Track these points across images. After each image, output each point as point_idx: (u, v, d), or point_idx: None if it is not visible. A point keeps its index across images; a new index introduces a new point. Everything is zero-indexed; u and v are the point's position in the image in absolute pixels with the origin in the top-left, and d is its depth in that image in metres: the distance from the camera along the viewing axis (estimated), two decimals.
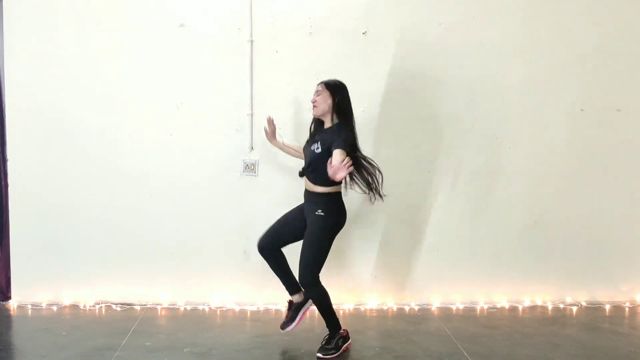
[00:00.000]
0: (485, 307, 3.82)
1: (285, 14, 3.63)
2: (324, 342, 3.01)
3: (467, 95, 3.74)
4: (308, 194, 3.06)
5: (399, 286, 3.82)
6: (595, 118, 3.82)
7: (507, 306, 3.83)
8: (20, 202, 3.65)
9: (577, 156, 3.84)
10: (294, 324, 3.10)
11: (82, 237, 3.67)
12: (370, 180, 2.99)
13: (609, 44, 3.79)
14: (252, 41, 3.63)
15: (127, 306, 3.68)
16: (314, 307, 3.12)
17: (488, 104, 3.76)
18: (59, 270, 3.69)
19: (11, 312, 3.59)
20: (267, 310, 3.68)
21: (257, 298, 3.74)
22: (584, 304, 3.88)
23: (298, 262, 2.96)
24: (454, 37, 3.69)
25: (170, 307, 3.70)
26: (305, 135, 3.17)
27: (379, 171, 3.02)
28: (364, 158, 2.99)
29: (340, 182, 2.96)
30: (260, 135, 3.65)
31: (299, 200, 3.15)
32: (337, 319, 3.06)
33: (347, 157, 2.74)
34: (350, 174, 2.94)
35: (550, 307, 3.83)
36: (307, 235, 2.98)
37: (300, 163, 3.19)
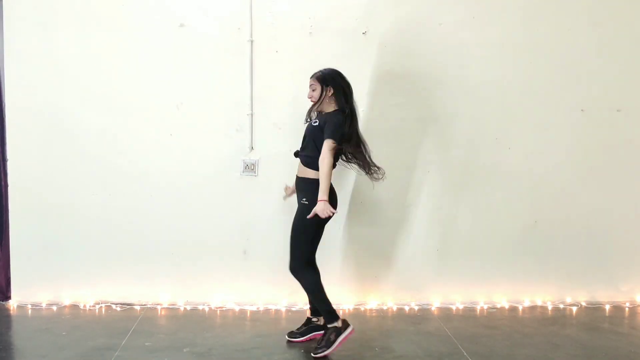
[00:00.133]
0: (485, 307, 3.82)
1: (285, 14, 3.63)
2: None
3: (467, 95, 3.74)
4: (297, 180, 3.09)
5: (399, 286, 3.81)
6: (595, 118, 3.82)
7: (507, 306, 3.83)
8: (20, 202, 3.65)
9: (577, 156, 3.84)
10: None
11: (82, 237, 3.67)
12: (365, 162, 3.05)
13: (609, 44, 3.79)
14: (252, 41, 3.63)
15: (127, 306, 3.68)
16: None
17: (488, 104, 3.76)
18: (59, 270, 3.69)
19: (11, 312, 3.58)
20: (267, 310, 3.68)
21: (257, 298, 3.74)
22: (583, 304, 3.88)
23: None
24: (454, 37, 3.69)
25: (170, 307, 3.70)
26: None
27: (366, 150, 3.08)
28: (357, 142, 3.02)
29: (333, 167, 2.99)
30: (260, 135, 3.66)
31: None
32: (332, 309, 3.00)
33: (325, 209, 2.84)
34: (347, 158, 3.07)
35: (550, 307, 3.83)
36: (292, 223, 3.03)
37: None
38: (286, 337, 3.14)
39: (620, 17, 3.78)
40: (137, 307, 3.67)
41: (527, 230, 3.85)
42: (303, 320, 3.23)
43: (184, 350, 2.98)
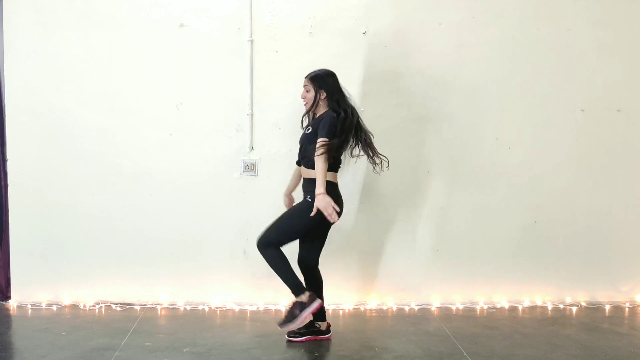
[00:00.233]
0: (485, 307, 3.82)
1: (285, 14, 3.63)
2: None
3: (467, 95, 3.74)
4: (303, 182, 3.10)
5: (399, 286, 3.81)
6: (595, 118, 3.82)
7: (506, 306, 3.83)
8: (20, 202, 3.65)
9: (577, 156, 3.84)
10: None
11: (82, 237, 3.67)
12: (369, 151, 3.09)
13: (609, 44, 3.79)
14: (252, 41, 3.63)
15: (127, 306, 3.68)
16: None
17: (488, 104, 3.76)
18: (58, 270, 3.69)
19: (11, 312, 3.58)
20: (267, 310, 3.68)
21: (257, 298, 3.74)
22: (583, 304, 3.88)
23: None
24: (454, 37, 3.70)
25: (170, 307, 3.70)
26: None
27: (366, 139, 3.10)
28: (358, 132, 3.06)
29: (335, 170, 3.02)
30: (260, 135, 3.66)
31: (298, 199, 3.15)
32: (298, 282, 2.95)
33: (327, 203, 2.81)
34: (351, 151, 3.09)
35: (550, 307, 3.84)
36: (289, 210, 3.05)
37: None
38: (286, 336, 3.14)
39: (620, 17, 3.78)
40: (137, 307, 3.67)
41: (527, 230, 3.85)
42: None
43: (184, 350, 2.98)
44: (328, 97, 3.04)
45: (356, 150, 3.14)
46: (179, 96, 3.64)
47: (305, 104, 3.12)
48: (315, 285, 3.12)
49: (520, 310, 3.79)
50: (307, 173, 3.04)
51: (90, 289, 3.71)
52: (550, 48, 3.75)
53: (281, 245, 2.99)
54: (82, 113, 3.62)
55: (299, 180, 3.26)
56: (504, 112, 3.78)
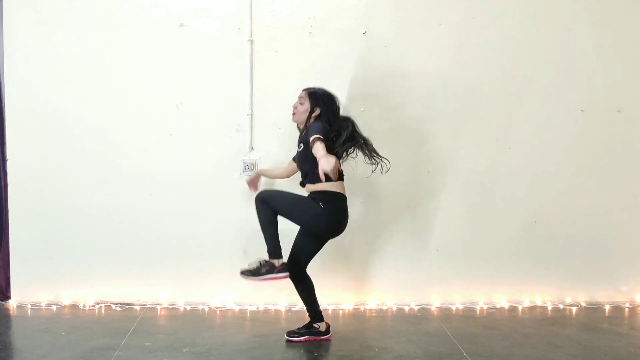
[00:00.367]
0: (485, 307, 3.82)
1: (285, 14, 3.63)
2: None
3: (466, 95, 3.74)
4: (310, 195, 3.06)
5: (398, 286, 3.81)
6: (595, 118, 3.82)
7: (506, 306, 3.83)
8: (19, 202, 3.65)
9: (577, 156, 3.84)
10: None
11: (82, 237, 3.67)
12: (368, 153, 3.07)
13: (609, 44, 3.79)
14: (252, 41, 3.63)
15: (127, 306, 3.68)
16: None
17: (488, 104, 3.76)
18: (58, 270, 3.69)
19: (10, 312, 3.58)
20: (266, 310, 3.68)
21: (257, 298, 3.74)
22: (583, 304, 3.88)
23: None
24: (454, 37, 3.70)
25: (170, 307, 3.70)
26: None
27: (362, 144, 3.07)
28: (357, 141, 3.03)
29: (341, 179, 3.01)
30: (260, 135, 3.66)
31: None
32: (276, 248, 2.97)
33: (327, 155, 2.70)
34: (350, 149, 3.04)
35: (549, 307, 3.83)
36: (298, 199, 3.02)
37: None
38: (285, 336, 3.14)
39: (620, 17, 3.78)
40: (137, 307, 3.67)
41: (527, 231, 3.85)
42: (303, 320, 3.22)
43: (184, 350, 2.98)
44: (321, 116, 3.02)
45: (355, 152, 3.13)
46: (179, 96, 3.64)
47: (293, 114, 3.13)
48: (304, 288, 3.12)
49: (520, 310, 3.79)
50: (314, 187, 3.01)
51: (90, 289, 3.71)
52: (550, 48, 3.75)
53: (275, 212, 2.98)
54: (82, 113, 3.62)
55: (277, 175, 3.44)
56: (504, 112, 3.78)
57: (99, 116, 3.62)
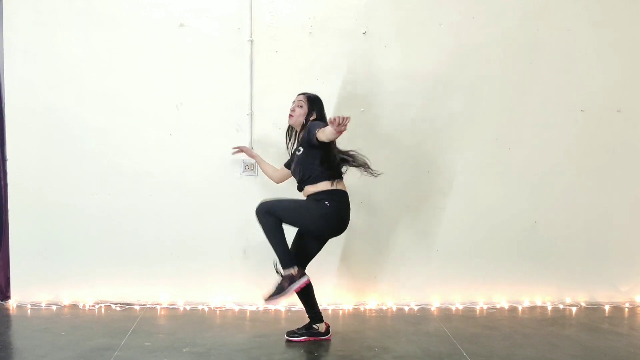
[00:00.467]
0: (485, 307, 3.82)
1: (285, 14, 3.63)
2: None
3: (467, 95, 3.74)
4: (311, 195, 3.06)
5: (398, 286, 3.81)
6: (595, 118, 3.82)
7: (506, 307, 3.83)
8: (19, 202, 3.65)
9: (577, 157, 3.84)
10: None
11: (82, 237, 3.67)
12: (355, 161, 3.08)
13: (609, 44, 3.79)
14: (252, 41, 3.63)
15: (127, 306, 3.68)
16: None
17: (488, 104, 3.76)
18: (58, 270, 3.69)
19: (10, 312, 3.58)
20: (266, 310, 3.68)
21: (257, 298, 3.72)
22: (583, 304, 3.88)
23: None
24: (454, 37, 3.70)
25: (170, 307, 3.70)
26: None
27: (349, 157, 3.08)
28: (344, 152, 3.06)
29: (341, 177, 3.03)
30: (260, 135, 3.66)
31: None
32: (288, 254, 2.99)
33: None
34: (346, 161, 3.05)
35: (549, 307, 3.83)
36: (301, 201, 3.04)
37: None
38: (285, 336, 3.14)
39: (620, 17, 3.78)
40: (137, 307, 3.67)
41: (527, 231, 3.85)
42: (303, 320, 3.23)
43: (184, 350, 2.98)
44: (316, 120, 3.07)
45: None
46: (179, 96, 3.64)
47: (290, 116, 3.14)
48: (303, 289, 3.10)
49: (520, 310, 3.79)
50: (314, 188, 3.02)
51: (90, 289, 3.71)
52: (550, 48, 3.75)
53: (280, 221, 2.98)
54: (82, 113, 3.62)
55: (269, 172, 3.43)
56: (504, 112, 3.78)
57: (99, 116, 3.62)
